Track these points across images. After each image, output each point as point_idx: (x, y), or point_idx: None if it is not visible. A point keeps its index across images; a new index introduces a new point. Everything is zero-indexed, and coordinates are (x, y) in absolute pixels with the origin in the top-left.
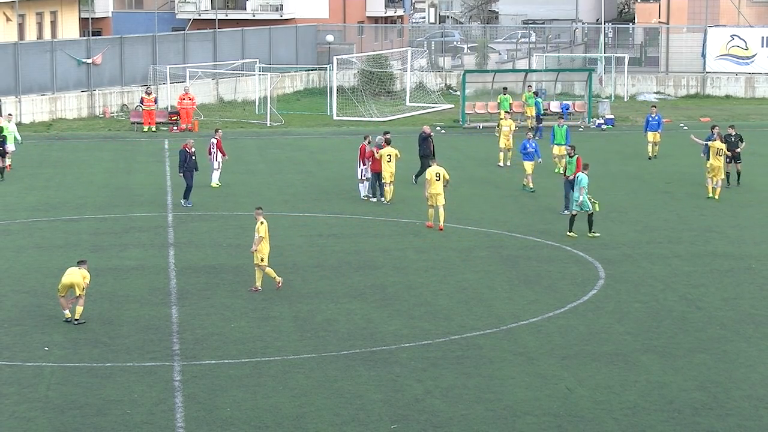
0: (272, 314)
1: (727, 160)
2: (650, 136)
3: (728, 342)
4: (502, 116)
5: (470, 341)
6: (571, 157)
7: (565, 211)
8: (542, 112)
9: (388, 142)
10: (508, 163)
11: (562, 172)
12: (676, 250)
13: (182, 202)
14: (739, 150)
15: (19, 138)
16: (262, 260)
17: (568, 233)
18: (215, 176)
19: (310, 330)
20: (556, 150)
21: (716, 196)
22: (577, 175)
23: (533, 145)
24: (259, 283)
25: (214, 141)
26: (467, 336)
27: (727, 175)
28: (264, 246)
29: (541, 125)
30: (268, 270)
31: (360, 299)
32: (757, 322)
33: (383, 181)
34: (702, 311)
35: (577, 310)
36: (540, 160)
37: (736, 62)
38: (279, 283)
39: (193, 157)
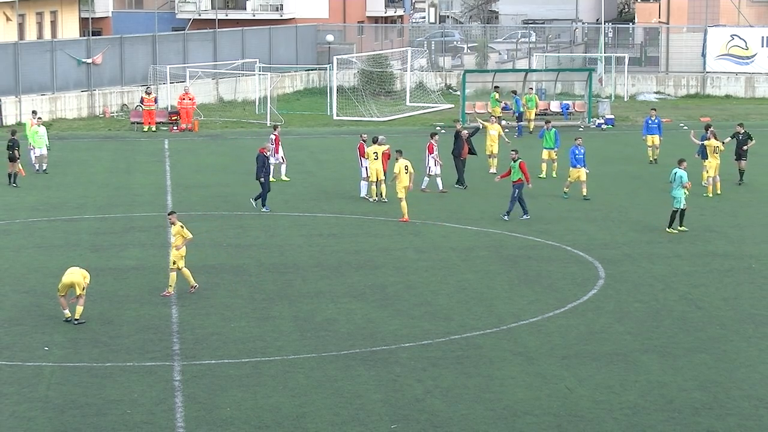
0: (272, 314)
1: (735, 157)
2: (649, 139)
3: (728, 342)
4: (494, 114)
5: (470, 341)
6: (514, 161)
7: (505, 216)
8: (521, 110)
9: (374, 141)
10: (494, 170)
11: (560, 178)
12: (676, 250)
13: (263, 209)
14: (746, 148)
15: (47, 143)
16: (174, 263)
17: (667, 229)
18: (274, 171)
19: (310, 330)
20: (545, 154)
21: (718, 191)
22: (675, 171)
23: (582, 151)
24: (172, 288)
25: (273, 137)
26: (467, 336)
27: (741, 172)
28: (180, 249)
29: (520, 123)
30: (184, 271)
31: (360, 299)
32: (757, 322)
33: (371, 179)
34: (702, 311)
35: (577, 310)
36: (588, 171)
37: (736, 62)
38: (193, 288)
39: (269, 161)
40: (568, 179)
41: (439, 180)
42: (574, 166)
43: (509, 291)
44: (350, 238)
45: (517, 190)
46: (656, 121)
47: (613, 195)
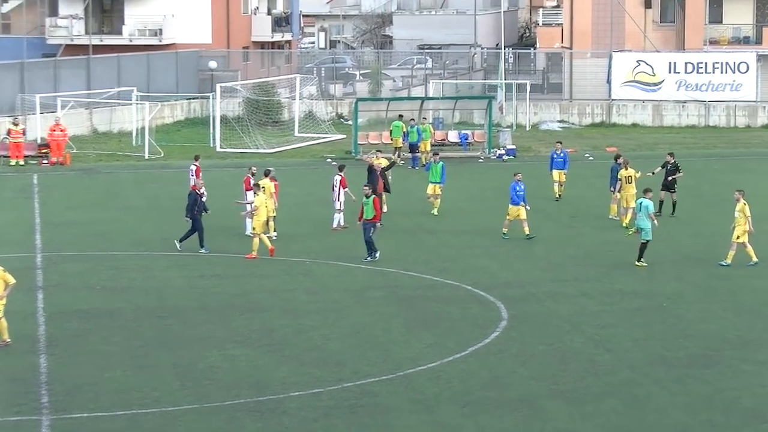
0: (150, 362)
1: (662, 188)
2: (555, 174)
3: (639, 385)
4: (396, 145)
5: (365, 389)
6: (367, 197)
7: (368, 258)
8: (416, 140)
9: (266, 174)
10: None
11: (435, 212)
12: (583, 288)
13: (202, 251)
14: (671, 178)
15: None
16: None
17: (637, 263)
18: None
19: (192, 379)
20: (431, 189)
21: (626, 222)
22: (641, 201)
23: (522, 187)
24: (6, 336)
25: (194, 168)
26: (361, 383)
27: (661, 203)
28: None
29: (415, 155)
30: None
31: (245, 345)
32: (669, 364)
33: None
34: (611, 353)
35: (478, 354)
36: (527, 207)
37: (642, 89)
38: (5, 342)
39: (203, 199)
40: (507, 218)
41: (340, 215)
42: (515, 204)
43: (406, 334)
44: (235, 279)
45: (371, 229)
46: (562, 155)
47: (516, 231)
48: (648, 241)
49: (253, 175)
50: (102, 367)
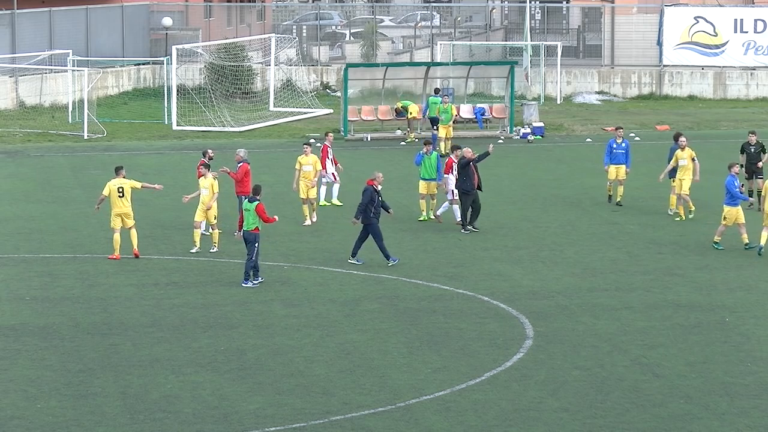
0: (92, 390)
1: (747, 175)
2: (613, 171)
3: (695, 420)
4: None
5: (357, 423)
6: (251, 201)
7: (248, 283)
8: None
9: (207, 160)
10: (314, 218)
11: (426, 217)
12: (626, 300)
13: (390, 262)
14: (761, 163)
15: None
16: None
17: None
18: (335, 190)
19: (144, 411)
20: (423, 187)
21: (691, 209)
22: None
23: (739, 183)
24: None
25: (328, 149)
26: (352, 416)
27: (750, 192)
28: None
29: (435, 132)
30: None
31: (210, 369)
32: (732, 394)
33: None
34: (661, 380)
35: (497, 380)
36: (752, 201)
37: (702, 52)
38: None
39: (380, 197)
40: (723, 223)
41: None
42: (734, 204)
43: (407, 356)
44: (196, 288)
45: (257, 245)
46: (623, 145)
47: (543, 228)
48: None
49: (210, 160)
50: (33, 396)
